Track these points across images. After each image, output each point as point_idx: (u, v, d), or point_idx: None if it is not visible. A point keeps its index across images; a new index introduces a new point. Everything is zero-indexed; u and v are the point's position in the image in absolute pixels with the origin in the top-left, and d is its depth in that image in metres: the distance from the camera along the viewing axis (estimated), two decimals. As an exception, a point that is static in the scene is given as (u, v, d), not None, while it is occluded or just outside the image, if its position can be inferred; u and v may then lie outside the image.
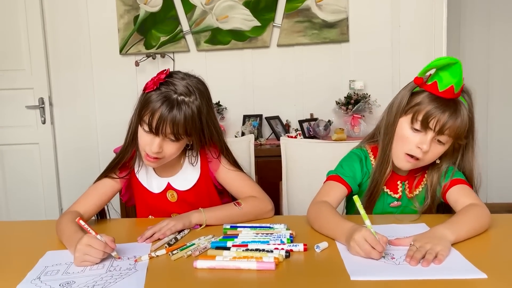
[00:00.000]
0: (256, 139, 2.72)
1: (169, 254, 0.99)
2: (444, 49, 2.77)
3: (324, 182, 1.28)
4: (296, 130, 2.78)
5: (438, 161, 1.22)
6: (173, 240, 1.08)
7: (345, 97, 2.76)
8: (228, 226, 1.16)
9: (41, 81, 2.91)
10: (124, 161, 1.32)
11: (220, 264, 0.91)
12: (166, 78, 1.20)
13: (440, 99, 1.12)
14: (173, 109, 1.15)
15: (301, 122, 2.78)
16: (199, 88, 1.21)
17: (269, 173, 2.18)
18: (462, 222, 1.05)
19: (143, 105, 1.19)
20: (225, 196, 1.41)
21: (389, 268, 0.89)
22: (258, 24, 2.83)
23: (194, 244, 1.05)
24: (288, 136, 2.57)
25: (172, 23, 2.87)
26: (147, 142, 1.19)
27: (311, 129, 2.74)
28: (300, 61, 2.89)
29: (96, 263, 0.98)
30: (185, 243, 1.06)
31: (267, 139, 2.81)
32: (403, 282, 0.84)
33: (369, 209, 1.29)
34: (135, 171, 1.34)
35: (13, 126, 2.96)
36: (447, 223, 1.04)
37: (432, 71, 1.15)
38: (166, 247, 1.04)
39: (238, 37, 2.85)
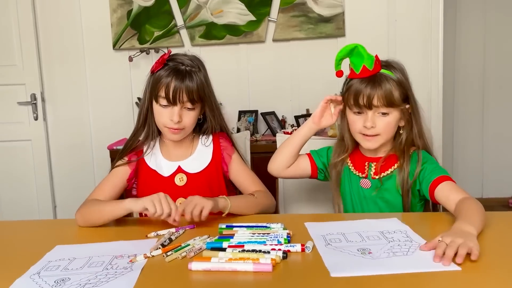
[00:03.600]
0: (251, 135, 2.69)
1: (163, 256, 0.97)
2: (440, 43, 2.75)
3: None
4: (292, 125, 2.76)
5: (402, 131, 1.32)
6: (167, 241, 1.05)
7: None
8: (224, 226, 1.13)
9: (33, 76, 2.87)
10: (136, 143, 1.38)
11: (216, 266, 0.89)
12: (169, 57, 1.32)
13: (362, 79, 1.24)
14: (185, 78, 1.28)
15: (297, 117, 2.76)
16: (200, 62, 1.35)
17: (265, 170, 2.16)
18: (475, 217, 1.03)
19: (155, 83, 1.29)
20: (229, 189, 1.43)
21: (367, 263, 0.89)
22: (253, 18, 2.79)
23: (189, 245, 1.02)
24: (284, 132, 2.54)
25: (166, 18, 2.83)
26: (167, 115, 1.29)
27: (307, 124, 2.71)
28: (295, 56, 2.86)
29: (156, 215, 1.11)
30: (180, 243, 1.03)
31: (262, 135, 2.79)
32: (380, 277, 0.83)
33: (337, 181, 1.39)
34: (144, 156, 1.37)
35: (5, 122, 2.92)
36: (465, 219, 1.01)
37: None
38: (160, 247, 1.01)
39: (233, 32, 2.82)
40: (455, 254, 0.87)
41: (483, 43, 3.39)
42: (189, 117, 1.31)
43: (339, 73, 1.30)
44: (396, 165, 1.31)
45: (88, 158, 2.99)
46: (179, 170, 1.36)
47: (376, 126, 1.25)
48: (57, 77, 2.94)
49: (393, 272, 0.84)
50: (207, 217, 1.14)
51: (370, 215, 1.22)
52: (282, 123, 2.82)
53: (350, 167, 1.37)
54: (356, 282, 0.82)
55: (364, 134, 1.28)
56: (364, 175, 1.34)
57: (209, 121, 1.38)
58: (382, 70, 1.25)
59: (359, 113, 1.27)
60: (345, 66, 1.29)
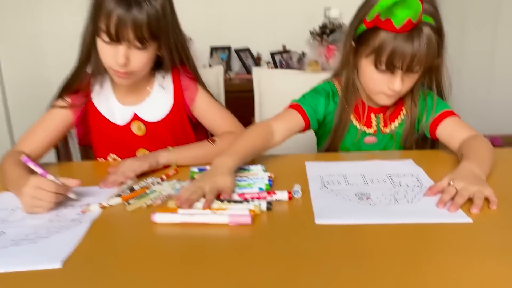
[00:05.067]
0: (224, 73, 2.51)
1: (125, 204, 0.82)
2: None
3: (286, 108, 1.14)
4: (268, 63, 2.60)
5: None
6: (128, 191, 0.89)
7: (319, 27, 2.55)
8: (196, 170, 0.99)
9: (-23, 7, 2.56)
10: (77, 83, 1.12)
11: (184, 218, 0.75)
12: None
13: (400, 34, 0.98)
14: (132, 7, 0.96)
15: (273, 54, 2.59)
16: None
17: (239, 110, 2.00)
18: (485, 159, 0.91)
19: (97, 9, 0.99)
20: (199, 133, 1.24)
21: (362, 210, 0.77)
22: None
23: (155, 191, 0.88)
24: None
25: None
26: (110, 54, 1.01)
27: (283, 62, 2.55)
28: (271, -14, 2.64)
29: (51, 208, 0.82)
30: (144, 189, 0.89)
31: (236, 73, 2.61)
32: (372, 227, 0.71)
33: (336, 145, 1.17)
34: (93, 99, 1.14)
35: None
36: (474, 160, 0.89)
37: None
38: (120, 194, 0.86)
39: (203, -43, 2.55)
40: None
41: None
42: (139, 59, 1.02)
43: (370, 24, 1.01)
44: (404, 110, 1.15)
45: (47, 94, 2.71)
46: (135, 117, 1.14)
47: (402, 87, 1.04)
48: (8, 12, 2.63)
49: (388, 222, 0.72)
50: (137, 174, 0.96)
51: (382, 155, 1.09)
52: (257, 61, 2.64)
53: (353, 121, 1.15)
54: (342, 231, 0.71)
55: (385, 94, 1.06)
56: (372, 131, 1.15)
57: (166, 63, 1.11)
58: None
59: (384, 71, 1.02)
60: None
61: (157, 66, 1.13)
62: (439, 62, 1.08)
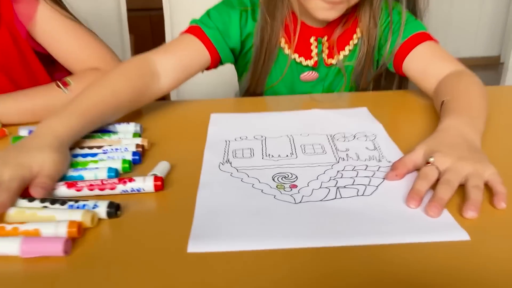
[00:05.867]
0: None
1: None
2: None
3: (181, 33, 0.76)
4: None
5: None
6: None
7: None
8: (26, 132, 0.61)
9: None
10: None
11: None
12: None
13: None
14: None
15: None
16: None
17: (155, 32, 1.64)
18: (478, 110, 0.59)
19: None
20: (58, 69, 0.83)
21: (276, 219, 0.43)
22: None
23: None
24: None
25: None
26: None
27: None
28: None
29: None
30: None
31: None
32: (295, 252, 0.38)
33: (260, 83, 0.81)
34: None
35: None
36: (460, 114, 0.56)
37: None
38: None
39: None
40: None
41: None
42: None
43: None
44: (358, 32, 0.80)
45: None
46: None
47: None
48: None
49: (317, 245, 0.39)
50: None
51: (324, 99, 0.75)
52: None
53: (284, 48, 0.80)
54: (235, 260, 0.38)
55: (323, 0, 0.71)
56: (312, 63, 0.80)
57: None
58: None
59: None
60: None
61: None
62: None
